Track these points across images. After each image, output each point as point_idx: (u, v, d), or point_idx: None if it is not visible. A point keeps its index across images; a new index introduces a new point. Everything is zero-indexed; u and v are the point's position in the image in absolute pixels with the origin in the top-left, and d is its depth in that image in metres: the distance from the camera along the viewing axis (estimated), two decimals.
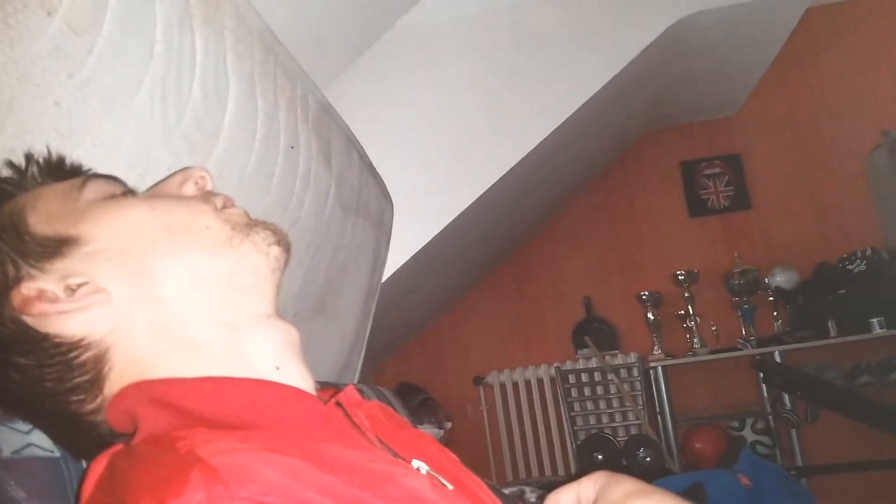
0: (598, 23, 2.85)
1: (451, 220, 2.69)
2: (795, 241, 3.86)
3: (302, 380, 0.60)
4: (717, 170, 4.06)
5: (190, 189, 0.65)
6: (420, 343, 4.11)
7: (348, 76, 2.62)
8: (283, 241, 0.64)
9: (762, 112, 4.06)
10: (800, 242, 3.85)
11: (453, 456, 0.66)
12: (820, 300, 3.55)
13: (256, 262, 0.61)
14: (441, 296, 3.85)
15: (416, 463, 0.55)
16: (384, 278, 2.58)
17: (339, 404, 0.58)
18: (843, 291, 3.50)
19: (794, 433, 3.44)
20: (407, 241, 2.63)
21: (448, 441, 3.51)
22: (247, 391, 0.54)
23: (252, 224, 0.63)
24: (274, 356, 0.59)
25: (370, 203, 1.67)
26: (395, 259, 2.66)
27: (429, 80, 2.78)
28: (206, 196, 0.64)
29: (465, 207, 2.70)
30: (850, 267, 3.56)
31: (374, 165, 1.75)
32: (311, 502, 0.40)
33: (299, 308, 1.38)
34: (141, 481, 0.43)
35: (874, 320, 3.36)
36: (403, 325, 3.72)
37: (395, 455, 0.56)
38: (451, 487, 0.54)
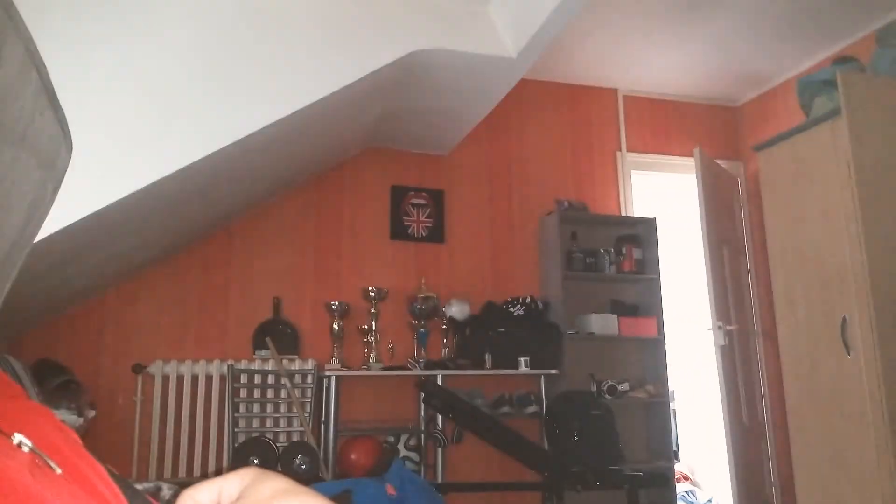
0: (343, 32, 2.86)
1: (139, 188, 2.41)
2: (474, 278, 4.28)
3: None
4: (423, 201, 4.33)
5: None
6: (76, 318, 3.60)
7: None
8: None
9: (468, 159, 4.46)
10: (477, 280, 4.27)
11: (75, 437, 0.55)
12: (482, 334, 3.96)
13: None
14: (111, 269, 3.43)
15: (17, 437, 0.43)
16: (42, 235, 2.21)
17: None
18: (503, 330, 3.97)
19: (440, 452, 3.75)
20: (80, 199, 2.29)
21: (87, 430, 3.10)
22: None
23: None
24: None
25: (41, 138, 1.40)
26: (60, 216, 2.29)
27: (146, 31, 2.50)
28: None
29: (160, 178, 2.44)
30: (511, 309, 4.04)
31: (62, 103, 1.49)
32: None
33: None
34: None
35: (522, 359, 3.86)
36: (58, 293, 3.22)
37: None
38: (59, 471, 0.43)
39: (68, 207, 2.31)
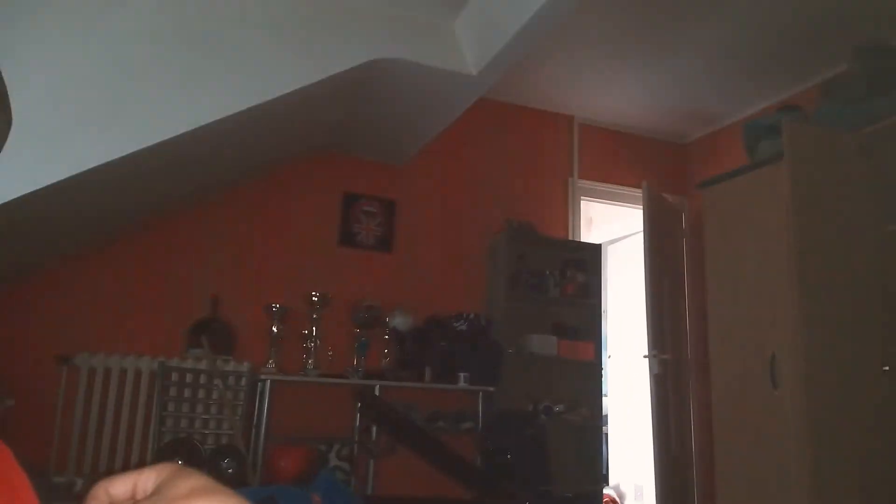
0: (305, 33, 2.83)
1: (79, 172, 2.32)
2: (419, 290, 4.26)
3: None
4: (374, 209, 4.31)
5: None
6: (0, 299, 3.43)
7: None
8: None
9: (422, 171, 4.47)
10: (422, 293, 4.26)
11: None
12: (424, 347, 3.95)
13: None
14: (39, 253, 3.29)
15: None
16: None
17: None
18: (444, 344, 3.96)
19: (371, 463, 3.70)
20: (15, 177, 2.20)
21: (3, 420, 2.95)
22: None
23: None
24: None
25: None
26: None
27: (105, 11, 2.43)
28: None
29: (102, 163, 2.35)
30: (455, 324, 4.04)
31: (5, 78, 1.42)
32: None
33: None
34: None
35: (461, 374, 3.86)
36: None
37: None
38: None
39: (2, 185, 2.21)
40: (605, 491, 4.99)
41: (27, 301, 3.50)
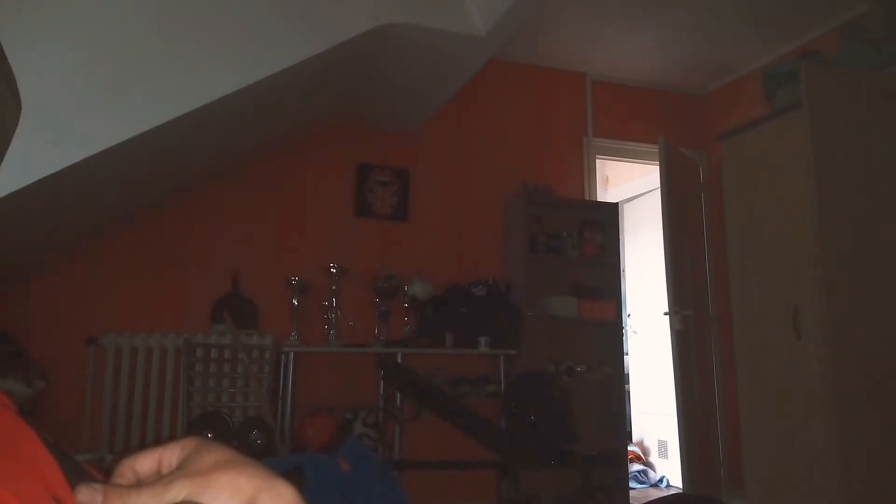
0: (308, 2, 2.78)
1: (91, 155, 2.32)
2: (437, 258, 4.26)
3: None
4: (388, 179, 4.29)
5: None
6: (27, 288, 3.48)
7: None
8: None
9: (435, 139, 4.42)
10: (440, 260, 4.26)
11: (5, 402, 0.52)
12: (444, 314, 3.97)
13: None
14: (61, 238, 3.33)
15: None
16: None
17: None
18: (464, 310, 3.97)
19: (397, 429, 3.75)
20: (28, 163, 2.21)
21: (37, 401, 3.03)
22: None
23: None
24: None
25: None
26: (6, 182, 2.20)
27: None
28: None
29: (113, 145, 2.35)
30: (474, 290, 4.05)
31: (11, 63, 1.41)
32: None
33: None
34: None
35: (482, 339, 3.88)
36: (8, 260, 3.12)
37: None
38: None
39: (15, 172, 2.22)
40: (630, 448, 5.03)
41: (53, 286, 3.55)
